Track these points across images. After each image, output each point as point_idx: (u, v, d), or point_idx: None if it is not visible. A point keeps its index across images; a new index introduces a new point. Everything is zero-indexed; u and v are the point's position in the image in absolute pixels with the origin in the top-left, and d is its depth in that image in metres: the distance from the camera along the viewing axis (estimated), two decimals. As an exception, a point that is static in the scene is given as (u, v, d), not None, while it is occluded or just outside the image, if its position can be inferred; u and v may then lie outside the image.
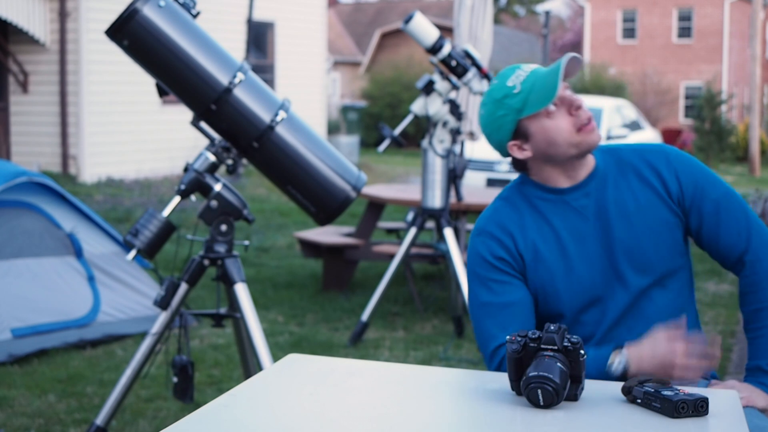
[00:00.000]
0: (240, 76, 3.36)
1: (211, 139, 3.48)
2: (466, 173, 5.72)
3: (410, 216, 6.36)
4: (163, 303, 3.50)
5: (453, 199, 5.74)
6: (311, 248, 7.13)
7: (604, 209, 2.20)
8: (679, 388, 1.82)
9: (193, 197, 3.48)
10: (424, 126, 6.06)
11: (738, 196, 2.26)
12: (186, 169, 3.47)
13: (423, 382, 2.04)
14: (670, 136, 25.90)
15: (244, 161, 3.74)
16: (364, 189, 5.95)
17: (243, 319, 3.49)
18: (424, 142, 5.46)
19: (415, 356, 5.35)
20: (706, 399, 1.79)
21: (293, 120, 3.47)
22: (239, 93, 3.36)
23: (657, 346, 2.02)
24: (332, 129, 23.86)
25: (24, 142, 13.97)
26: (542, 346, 1.85)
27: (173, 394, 3.62)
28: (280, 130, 3.42)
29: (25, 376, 4.81)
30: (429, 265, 7.63)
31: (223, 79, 3.34)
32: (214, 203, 3.45)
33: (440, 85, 5.31)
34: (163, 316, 3.56)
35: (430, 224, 6.10)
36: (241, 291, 3.49)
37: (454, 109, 5.39)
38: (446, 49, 5.27)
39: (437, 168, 5.47)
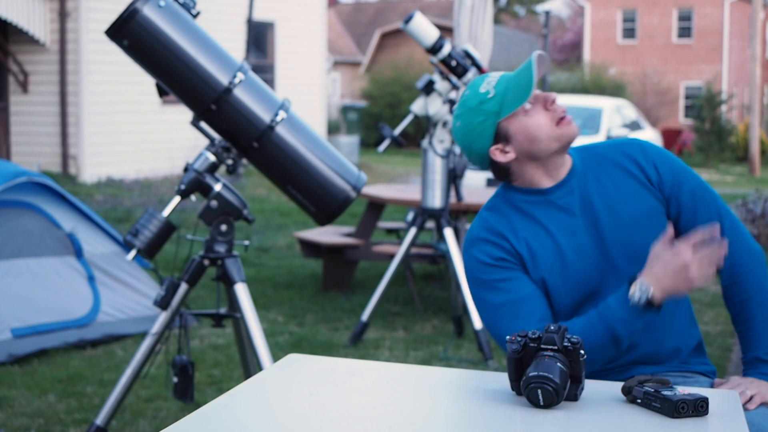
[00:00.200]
0: (240, 76, 3.36)
1: (211, 139, 3.48)
2: (466, 173, 5.72)
3: (410, 216, 6.37)
4: (163, 303, 3.51)
5: (453, 199, 5.74)
6: (311, 248, 7.14)
7: (590, 203, 2.21)
8: (679, 388, 1.82)
9: (193, 197, 3.48)
10: (424, 126, 6.07)
11: (711, 187, 2.30)
12: (186, 169, 3.47)
13: (423, 382, 2.04)
14: (670, 136, 25.89)
15: (244, 161, 3.75)
16: (364, 189, 5.96)
17: (243, 319, 3.49)
18: (424, 142, 5.47)
19: (415, 356, 5.35)
20: (706, 399, 1.79)
21: (293, 120, 3.47)
22: (239, 93, 3.36)
23: (666, 262, 2.01)
24: (332, 129, 23.86)
25: (24, 142, 13.97)
26: (542, 346, 1.85)
27: (173, 394, 3.62)
28: (280, 130, 3.42)
29: (25, 376, 4.81)
30: (429, 265, 7.63)
31: (223, 79, 3.34)
32: (214, 203, 3.45)
33: (440, 85, 5.31)
34: (163, 316, 3.56)
35: (430, 224, 6.10)
36: (241, 291, 3.49)
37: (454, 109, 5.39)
38: (446, 49, 5.27)
39: (437, 168, 5.48)
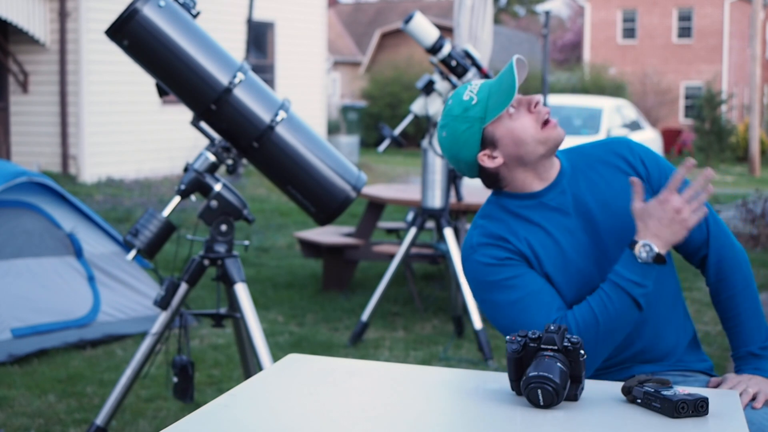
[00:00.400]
0: (240, 76, 3.36)
1: (211, 139, 3.49)
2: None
3: (410, 216, 6.36)
4: (163, 303, 3.51)
5: (453, 199, 5.74)
6: (311, 248, 7.14)
7: (583, 202, 2.22)
8: (678, 388, 1.82)
9: (193, 197, 3.48)
10: (424, 126, 6.06)
11: None
12: (186, 169, 3.47)
13: (423, 382, 2.04)
14: (670, 136, 25.89)
15: (244, 161, 3.75)
16: (364, 189, 5.95)
17: (243, 319, 3.49)
18: (424, 142, 5.47)
19: (415, 356, 5.35)
20: (706, 399, 1.79)
21: (293, 120, 3.47)
22: (239, 93, 3.36)
23: (659, 215, 2.07)
24: (332, 129, 23.86)
25: (24, 142, 13.97)
26: (542, 346, 1.86)
27: (173, 394, 3.62)
28: (280, 130, 3.42)
29: (25, 376, 4.81)
30: (429, 265, 7.64)
31: (223, 79, 3.34)
32: (214, 203, 3.45)
33: (440, 85, 5.31)
34: (163, 316, 3.56)
35: (430, 224, 6.10)
36: (241, 291, 3.49)
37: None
38: (446, 49, 5.27)
39: (437, 168, 5.48)
